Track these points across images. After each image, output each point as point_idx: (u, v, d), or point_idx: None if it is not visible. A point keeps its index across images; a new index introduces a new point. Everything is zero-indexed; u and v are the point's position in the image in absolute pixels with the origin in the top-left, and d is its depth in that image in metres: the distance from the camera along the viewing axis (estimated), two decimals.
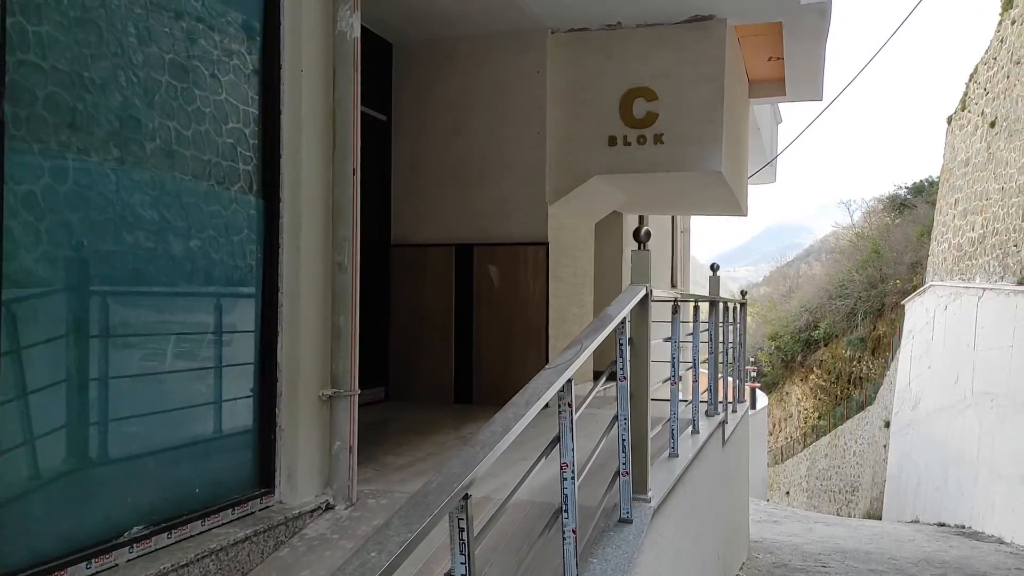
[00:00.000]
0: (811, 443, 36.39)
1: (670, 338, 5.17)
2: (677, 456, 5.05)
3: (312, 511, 3.95)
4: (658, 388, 5.24)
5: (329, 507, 4.04)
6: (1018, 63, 17.61)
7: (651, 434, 4.77)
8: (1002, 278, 16.60)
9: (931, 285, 21.83)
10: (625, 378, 3.64)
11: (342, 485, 4.10)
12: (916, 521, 18.53)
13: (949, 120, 22.62)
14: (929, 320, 21.16)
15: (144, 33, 3.22)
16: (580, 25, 7.60)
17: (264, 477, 3.87)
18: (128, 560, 3.04)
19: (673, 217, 14.21)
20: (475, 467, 1.91)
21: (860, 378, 36.01)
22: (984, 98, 19.57)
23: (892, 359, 27.95)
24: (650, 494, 3.97)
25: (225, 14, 3.68)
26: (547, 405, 2.59)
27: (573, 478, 2.80)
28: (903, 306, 24.94)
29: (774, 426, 43.03)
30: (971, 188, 19.65)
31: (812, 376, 40.65)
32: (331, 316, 4.15)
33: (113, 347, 3.11)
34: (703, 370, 6.74)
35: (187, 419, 3.48)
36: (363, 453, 5.28)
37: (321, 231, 4.11)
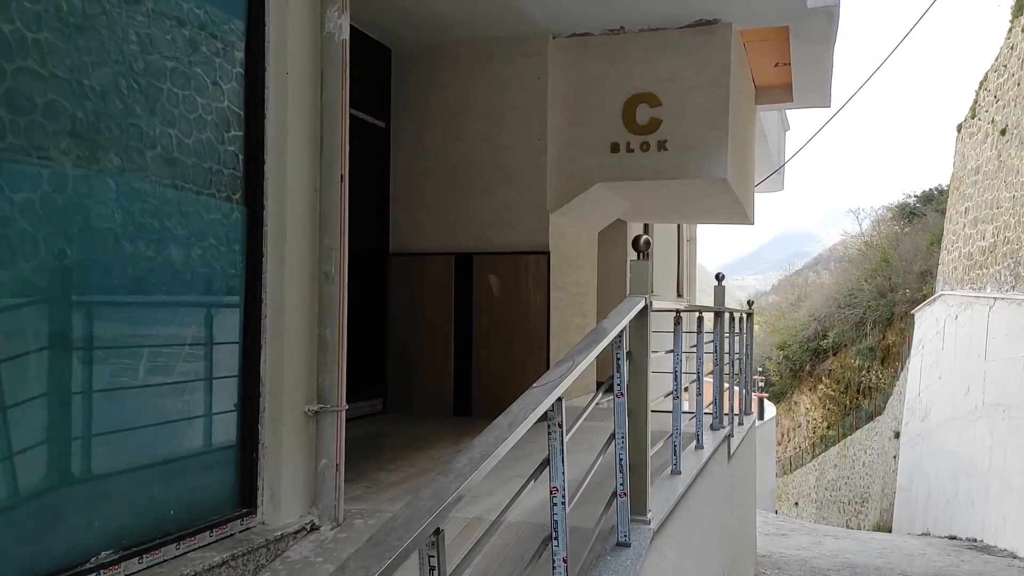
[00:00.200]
0: (820, 453, 36.09)
1: (672, 350, 4.99)
2: (680, 473, 4.87)
3: (296, 532, 3.78)
4: (661, 402, 5.08)
5: (314, 528, 3.87)
6: None
7: (652, 451, 4.60)
8: (1013, 287, 16.36)
9: (941, 294, 21.59)
10: (622, 394, 3.46)
11: (328, 505, 3.92)
12: (927, 534, 18.26)
13: (959, 128, 22.40)
14: (939, 330, 20.92)
15: (120, 32, 3.07)
16: (582, 30, 7.45)
17: (245, 497, 3.70)
18: None
19: (679, 225, 14.04)
20: (447, 499, 1.74)
21: (869, 388, 35.73)
22: (995, 105, 19.35)
23: (902, 369, 27.68)
24: (650, 515, 3.79)
25: (207, 13, 3.53)
26: (545, 417, 2.43)
27: (564, 503, 2.63)
28: (913, 315, 24.69)
29: (782, 436, 42.72)
30: (982, 196, 19.41)
31: (821, 386, 40.36)
32: (317, 328, 3.98)
33: (82, 361, 2.95)
34: (708, 381, 6.57)
35: (162, 436, 3.31)
36: (354, 469, 5.12)
37: (307, 239, 3.95)
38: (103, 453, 3.03)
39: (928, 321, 22.36)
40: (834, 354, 39.43)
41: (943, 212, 25.51)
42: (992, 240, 18.30)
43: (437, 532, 1.73)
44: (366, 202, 7.68)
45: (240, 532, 3.60)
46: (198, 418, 3.51)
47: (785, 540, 14.79)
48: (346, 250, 4.04)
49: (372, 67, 7.73)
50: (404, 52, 7.88)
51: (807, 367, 41.44)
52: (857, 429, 32.02)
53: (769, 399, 33.12)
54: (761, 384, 32.78)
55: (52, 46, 2.81)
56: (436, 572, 1.72)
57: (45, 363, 2.80)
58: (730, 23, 7.16)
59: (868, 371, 36.52)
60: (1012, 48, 18.70)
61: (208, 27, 3.54)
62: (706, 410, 6.90)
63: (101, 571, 2.91)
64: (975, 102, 21.15)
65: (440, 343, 7.68)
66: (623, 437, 3.48)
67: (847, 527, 27.34)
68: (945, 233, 22.97)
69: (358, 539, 3.81)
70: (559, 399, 2.59)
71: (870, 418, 30.92)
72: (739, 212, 9.27)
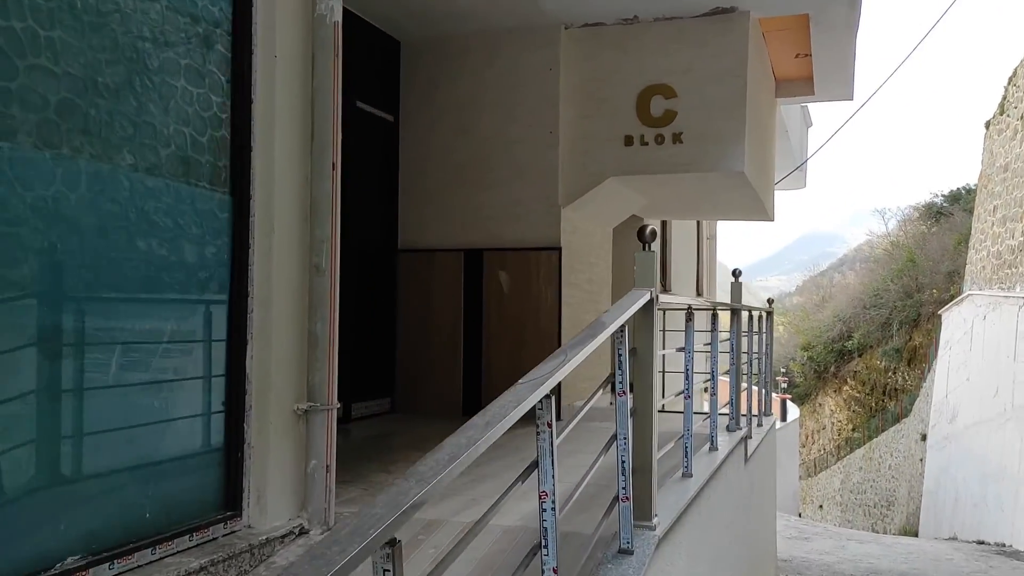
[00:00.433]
0: (845, 456, 35.59)
1: (684, 348, 4.79)
2: (691, 476, 4.66)
3: (283, 536, 3.61)
4: (675, 401, 4.89)
5: (303, 532, 3.70)
6: None
7: (661, 452, 4.39)
8: None
9: (969, 294, 21.16)
10: (624, 393, 3.26)
11: (318, 508, 3.75)
12: (954, 538, 17.87)
13: (987, 125, 21.96)
14: (967, 330, 20.49)
15: (94, 12, 2.91)
16: (595, 20, 7.24)
17: (230, 499, 3.54)
18: None
19: (699, 223, 13.78)
20: (403, 506, 1.56)
21: (895, 390, 35.19)
22: None
23: (928, 370, 27.21)
24: (655, 520, 3.59)
25: None
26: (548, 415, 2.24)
27: (554, 509, 2.44)
28: (940, 316, 24.25)
29: (807, 438, 42.23)
30: (1011, 195, 18.98)
31: (846, 387, 39.83)
32: (307, 323, 3.81)
33: (51, 358, 2.79)
34: (724, 379, 6.35)
35: (138, 436, 3.15)
36: (352, 470, 4.95)
37: (297, 230, 3.78)
38: (72, 454, 2.87)
39: (955, 321, 21.93)
40: (859, 355, 38.90)
41: (971, 212, 25.04)
42: (1022, 239, 17.87)
43: (392, 543, 1.55)
44: (374, 197, 7.52)
45: (223, 536, 3.43)
46: (179, 417, 3.34)
47: (808, 544, 14.49)
48: (338, 242, 3.86)
49: (381, 60, 7.57)
50: (413, 44, 7.71)
51: (832, 368, 40.93)
52: (883, 431, 31.53)
53: (792, 400, 32.73)
54: (784, 385, 32.33)
55: (30, 31, 2.65)
56: None
57: (13, 361, 2.65)
58: (748, 11, 6.94)
59: (894, 372, 35.98)
60: None
61: (190, 7, 3.38)
62: (723, 411, 6.69)
63: None
64: (1004, 98, 20.71)
65: (449, 341, 7.50)
66: (625, 438, 3.28)
67: (873, 531, 26.92)
68: (973, 232, 22.53)
69: None
70: (548, 396, 2.40)
71: (896, 420, 30.43)
72: (758, 208, 9.02)
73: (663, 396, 5.82)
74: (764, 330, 8.43)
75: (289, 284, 3.74)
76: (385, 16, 7.27)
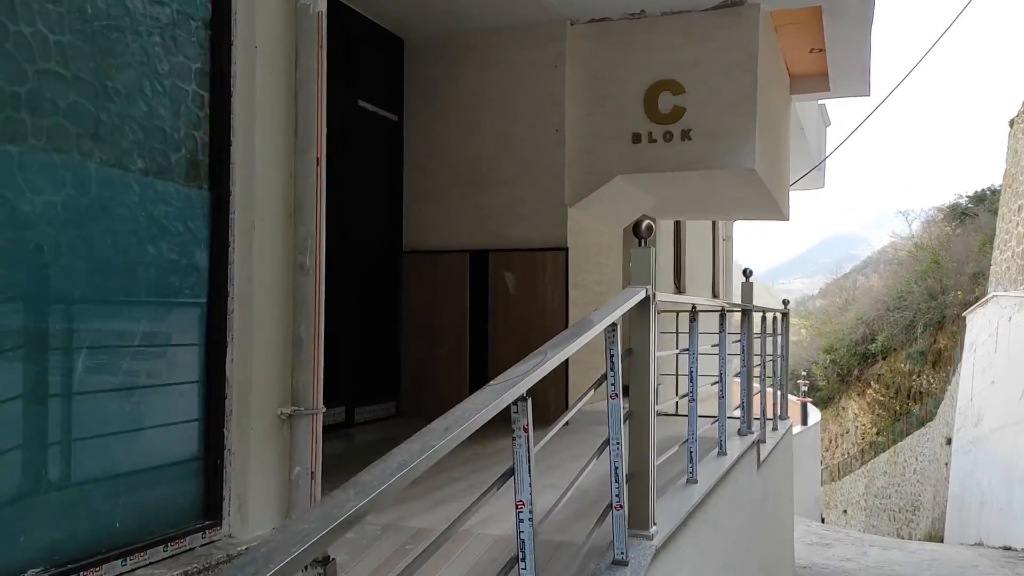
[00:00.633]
0: (869, 460, 35.12)
1: (687, 349, 4.62)
2: (696, 483, 4.48)
3: None
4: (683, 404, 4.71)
5: None
6: None
7: (663, 457, 4.22)
8: None
9: (994, 295, 20.77)
10: (617, 395, 3.09)
11: None
12: (980, 544, 17.49)
13: (1011, 123, 21.57)
14: (992, 332, 20.10)
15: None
16: (600, 15, 7.09)
17: (210, 507, 3.40)
18: None
19: (714, 223, 13.56)
20: (338, 519, 1.41)
21: (920, 393, 34.69)
22: None
23: (953, 373, 26.76)
24: (653, 530, 3.42)
25: None
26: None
27: (531, 520, 2.28)
28: (964, 318, 23.83)
29: (830, 442, 41.76)
30: None
31: (869, 390, 39.34)
32: (291, 324, 3.67)
33: (17, 361, 2.67)
34: (737, 382, 6.17)
35: (110, 443, 3.02)
36: (347, 476, 4.80)
37: (279, 228, 3.64)
38: (35, 463, 2.75)
39: (980, 323, 21.53)
40: (883, 358, 38.41)
41: (995, 212, 24.62)
42: None
43: (325, 561, 1.40)
44: (377, 198, 7.40)
45: (201, 546, 3.30)
46: (154, 423, 3.21)
47: (829, 550, 14.20)
48: (323, 240, 3.72)
49: (384, 58, 7.44)
50: (417, 43, 7.58)
51: (855, 371, 40.47)
52: (907, 435, 31.06)
53: (814, 404, 32.29)
54: (805, 388, 31.92)
55: None
56: None
57: None
58: (757, 4, 6.76)
59: (918, 375, 35.48)
60: None
61: None
62: (734, 414, 6.50)
63: None
64: None
65: (455, 344, 7.36)
66: (618, 443, 3.11)
67: (898, 536, 26.54)
68: (998, 232, 22.13)
69: (334, 553, 3.48)
70: (524, 399, 2.24)
71: (921, 424, 29.97)
72: (772, 207, 8.81)
73: (677, 398, 5.66)
74: (780, 332, 8.22)
75: (272, 284, 3.60)
76: (389, 14, 7.15)
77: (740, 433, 6.21)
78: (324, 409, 3.73)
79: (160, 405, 3.25)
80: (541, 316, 7.07)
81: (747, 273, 6.54)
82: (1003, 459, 17.71)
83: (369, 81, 7.21)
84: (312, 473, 3.64)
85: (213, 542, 3.35)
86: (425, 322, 7.46)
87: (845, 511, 36.20)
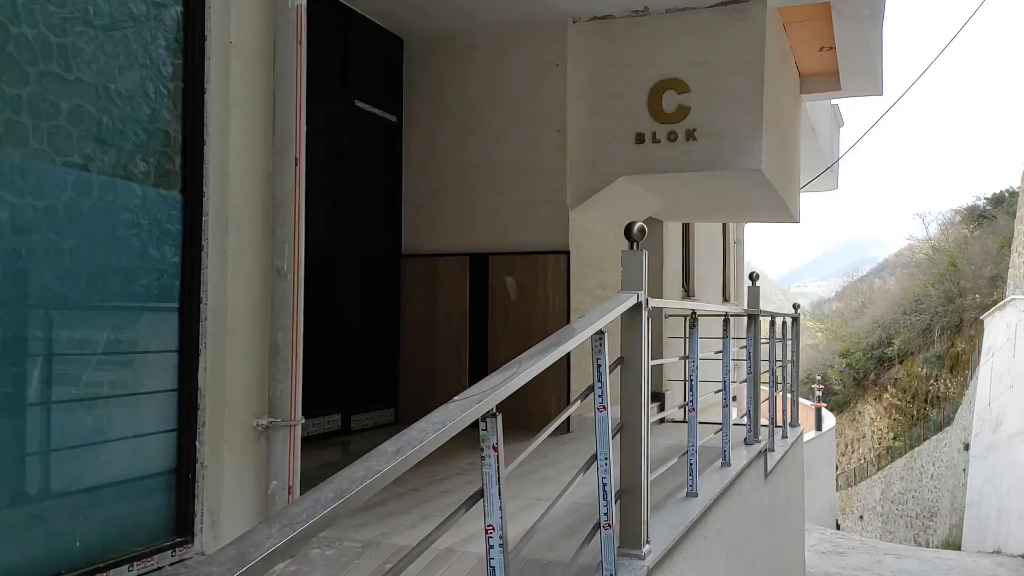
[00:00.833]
0: (886, 465, 34.73)
1: (687, 356, 4.44)
2: (696, 496, 4.30)
3: None
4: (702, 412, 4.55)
5: None
6: None
7: (661, 469, 4.04)
8: None
9: (1012, 299, 20.46)
10: (605, 407, 2.92)
11: None
12: (998, 552, 17.18)
13: None
14: (1010, 336, 19.79)
15: None
16: (603, 12, 6.91)
17: (181, 524, 3.25)
18: None
19: (724, 226, 13.35)
20: (252, 561, 1.24)
21: (937, 397, 34.30)
22: None
23: (971, 377, 26.38)
24: (646, 549, 3.24)
25: None
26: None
27: (502, 545, 2.11)
28: (982, 321, 23.50)
29: (846, 447, 41.37)
30: None
31: (886, 395, 38.93)
32: (269, 331, 3.52)
33: None
34: (738, 390, 5.98)
35: (71, 456, 2.88)
36: None
37: (256, 231, 3.49)
38: None
39: (998, 327, 21.21)
40: (900, 362, 38.02)
41: (1014, 214, 24.27)
42: None
43: None
44: (376, 201, 7.25)
45: (171, 564, 3.15)
46: (121, 435, 3.07)
47: (843, 559, 13.95)
48: (302, 243, 3.57)
49: (382, 58, 7.30)
50: (416, 42, 7.43)
51: (871, 375, 40.07)
52: (925, 440, 30.69)
53: (829, 409, 31.95)
54: (819, 393, 31.58)
55: None
56: None
57: None
58: (764, 0, 6.56)
59: (936, 380, 35.07)
60: None
61: None
62: (741, 421, 6.31)
63: None
64: None
65: (454, 349, 7.20)
66: (606, 458, 2.93)
67: (915, 542, 26.18)
68: (1016, 235, 21.82)
69: (311, 572, 3.33)
70: (492, 415, 2.08)
71: (938, 429, 29.59)
72: (781, 208, 8.61)
73: (677, 407, 5.49)
74: (790, 337, 8.02)
75: (248, 289, 3.45)
76: (387, 12, 7.00)
77: (746, 442, 6.02)
78: (303, 420, 3.58)
79: (127, 416, 3.10)
80: (542, 321, 6.90)
81: (753, 277, 6.34)
82: (1022, 465, 17.41)
83: (367, 81, 7.07)
84: (290, 487, 3.49)
85: (183, 560, 3.20)
86: (424, 327, 7.30)
87: (861, 517, 35.81)
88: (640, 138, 6.86)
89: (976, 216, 39.44)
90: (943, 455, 28.00)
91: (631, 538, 3.20)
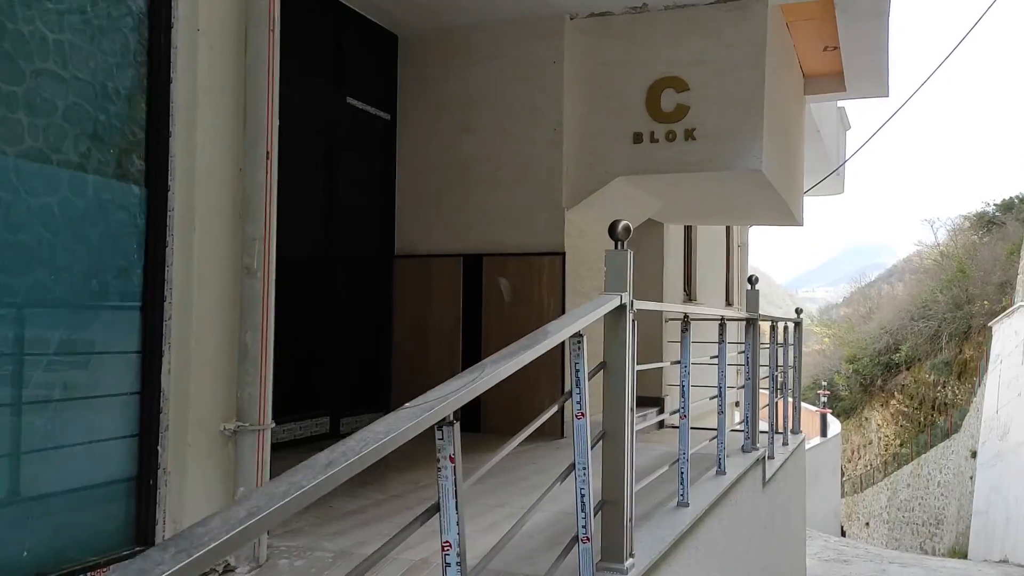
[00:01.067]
0: (892, 472, 34.49)
1: (679, 361, 4.28)
2: (687, 506, 4.14)
3: (205, 575, 3.16)
4: (700, 417, 4.39)
5: (228, 570, 3.25)
6: None
7: (650, 478, 3.89)
8: None
9: (1021, 305, 20.25)
10: (584, 414, 2.77)
11: None
12: (1005, 561, 16.95)
13: None
14: (1019, 343, 19.57)
15: None
16: (601, 9, 6.76)
17: (141, 532, 3.10)
18: None
19: (728, 229, 13.17)
20: None
21: (945, 404, 34.05)
22: None
23: (979, 384, 26.15)
24: (628, 563, 3.08)
25: None
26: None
27: (459, 563, 1.95)
28: (990, 328, 23.26)
29: (852, 453, 41.12)
30: None
31: (893, 401, 38.68)
32: (237, 332, 3.37)
33: None
34: (734, 397, 5.82)
35: (21, 461, 2.73)
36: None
37: (225, 228, 3.34)
38: None
39: (1007, 334, 20.98)
40: (907, 368, 37.78)
41: (1023, 220, 24.02)
42: None
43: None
44: (368, 200, 7.10)
45: None
46: (76, 440, 2.92)
47: (847, 568, 13.75)
48: (273, 240, 3.43)
49: (376, 55, 7.15)
50: (410, 39, 7.29)
51: (878, 381, 39.84)
52: (932, 447, 30.46)
53: (834, 415, 31.71)
54: (824, 399, 31.40)
55: None
56: None
57: None
58: None
59: (943, 386, 34.83)
60: None
61: None
62: (738, 428, 6.14)
63: None
64: None
65: (447, 352, 7.04)
66: (584, 468, 2.78)
67: (921, 550, 25.93)
68: None
69: None
70: (450, 423, 1.93)
71: (945, 436, 29.35)
72: (783, 211, 8.44)
73: (668, 414, 5.32)
74: (791, 342, 7.85)
75: (215, 288, 3.30)
76: (381, 9, 6.86)
77: (744, 450, 5.86)
78: (273, 424, 3.43)
79: (84, 420, 2.95)
80: (537, 324, 6.65)
81: (752, 281, 6.18)
82: None
83: (360, 78, 6.93)
84: None
85: None
86: (417, 329, 7.15)
87: (867, 524, 35.57)
88: (638, 137, 6.71)
89: (985, 222, 39.22)
90: (950, 462, 27.76)
91: (613, 551, 3.04)
